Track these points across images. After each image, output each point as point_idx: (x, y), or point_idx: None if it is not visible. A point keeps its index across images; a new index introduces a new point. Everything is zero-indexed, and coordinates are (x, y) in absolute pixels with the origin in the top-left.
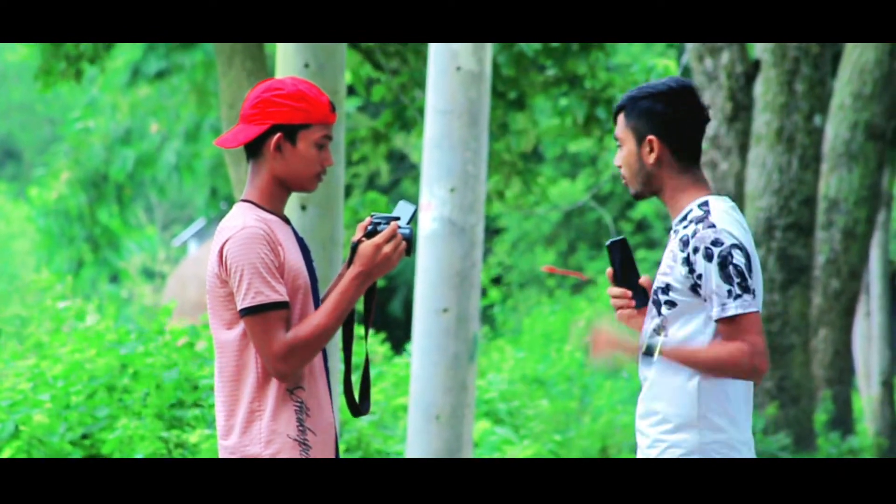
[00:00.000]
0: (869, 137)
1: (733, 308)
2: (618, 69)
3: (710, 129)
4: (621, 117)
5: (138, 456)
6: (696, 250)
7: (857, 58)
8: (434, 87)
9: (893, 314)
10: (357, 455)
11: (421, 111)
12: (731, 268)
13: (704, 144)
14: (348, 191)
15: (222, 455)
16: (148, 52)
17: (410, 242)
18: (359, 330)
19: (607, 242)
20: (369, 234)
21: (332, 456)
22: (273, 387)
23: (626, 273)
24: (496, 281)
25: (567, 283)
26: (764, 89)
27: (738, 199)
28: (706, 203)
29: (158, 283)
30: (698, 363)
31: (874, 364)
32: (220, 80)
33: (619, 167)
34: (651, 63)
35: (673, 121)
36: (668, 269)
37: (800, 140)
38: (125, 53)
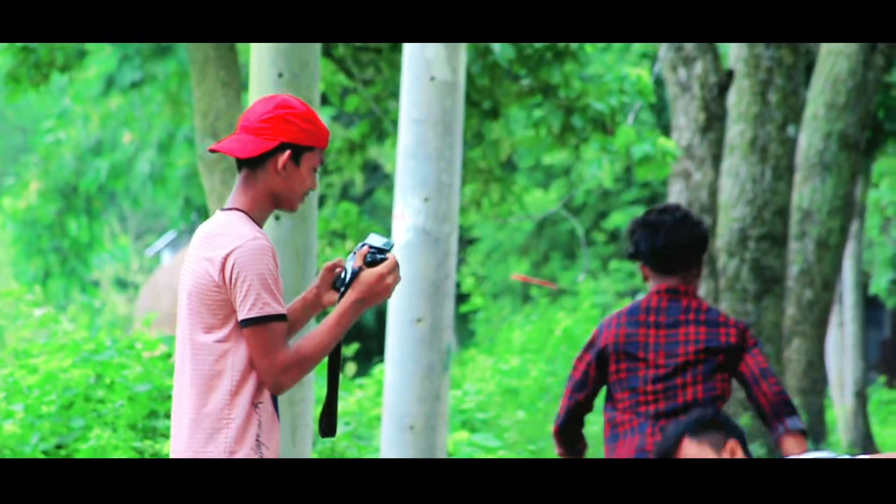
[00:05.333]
0: (842, 147)
1: None
2: (591, 79)
3: (684, 139)
4: (689, 441)
5: None
6: None
7: (831, 68)
8: (408, 97)
9: (866, 325)
10: None
11: (395, 122)
12: None
13: (679, 153)
14: (322, 201)
15: (178, 456)
16: (123, 63)
17: None
18: None
19: None
20: (370, 264)
21: None
22: (245, 398)
23: None
24: (463, 297)
25: (542, 293)
26: (737, 99)
27: (712, 209)
28: None
29: (132, 294)
30: None
31: (847, 374)
32: (193, 90)
33: None
34: (624, 72)
35: (729, 425)
36: None
37: (773, 150)
38: (98, 63)
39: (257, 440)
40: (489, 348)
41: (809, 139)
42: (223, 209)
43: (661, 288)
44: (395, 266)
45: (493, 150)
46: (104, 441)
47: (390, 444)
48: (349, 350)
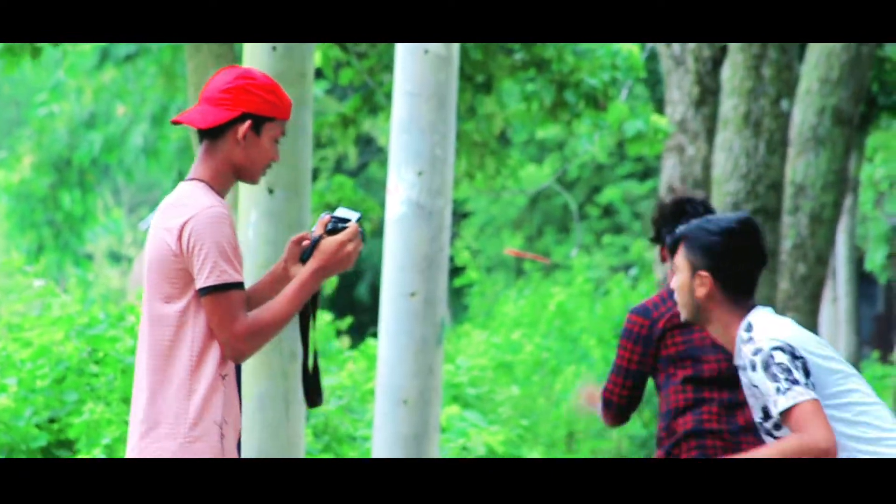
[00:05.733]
0: (836, 122)
1: (783, 403)
2: (584, 54)
3: (677, 113)
4: (682, 246)
5: (105, 440)
6: (746, 369)
7: (824, 43)
8: (402, 70)
9: (860, 299)
10: (325, 439)
11: (389, 95)
12: (773, 367)
13: (672, 128)
14: (315, 174)
15: (137, 427)
16: None
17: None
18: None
19: None
20: (330, 232)
21: (235, 446)
22: (209, 370)
23: None
24: (456, 271)
25: (536, 267)
26: (731, 73)
27: (706, 183)
28: (749, 325)
29: (125, 267)
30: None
31: (841, 349)
32: (187, 63)
33: (674, 291)
34: (616, 47)
35: (727, 257)
36: (752, 399)
37: (767, 124)
38: None
39: (220, 413)
40: (483, 322)
41: (803, 114)
42: (185, 179)
43: None
44: (356, 234)
45: (487, 123)
46: (97, 415)
47: (383, 418)
48: (343, 324)
